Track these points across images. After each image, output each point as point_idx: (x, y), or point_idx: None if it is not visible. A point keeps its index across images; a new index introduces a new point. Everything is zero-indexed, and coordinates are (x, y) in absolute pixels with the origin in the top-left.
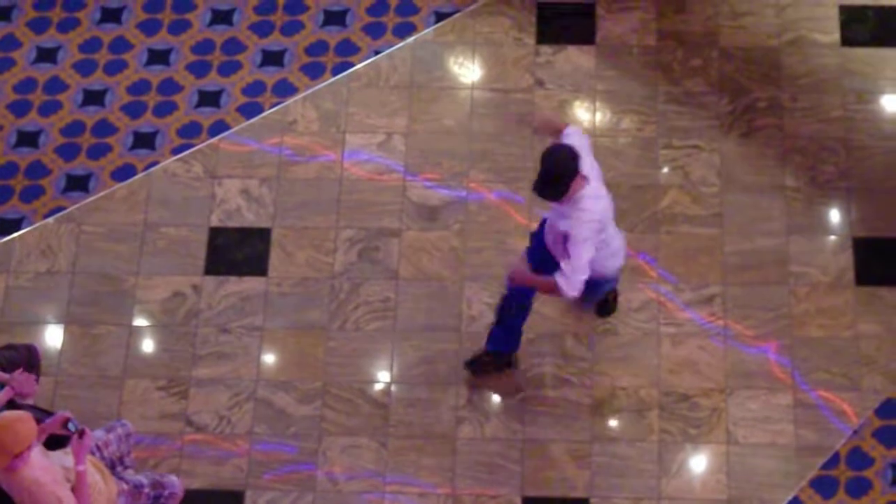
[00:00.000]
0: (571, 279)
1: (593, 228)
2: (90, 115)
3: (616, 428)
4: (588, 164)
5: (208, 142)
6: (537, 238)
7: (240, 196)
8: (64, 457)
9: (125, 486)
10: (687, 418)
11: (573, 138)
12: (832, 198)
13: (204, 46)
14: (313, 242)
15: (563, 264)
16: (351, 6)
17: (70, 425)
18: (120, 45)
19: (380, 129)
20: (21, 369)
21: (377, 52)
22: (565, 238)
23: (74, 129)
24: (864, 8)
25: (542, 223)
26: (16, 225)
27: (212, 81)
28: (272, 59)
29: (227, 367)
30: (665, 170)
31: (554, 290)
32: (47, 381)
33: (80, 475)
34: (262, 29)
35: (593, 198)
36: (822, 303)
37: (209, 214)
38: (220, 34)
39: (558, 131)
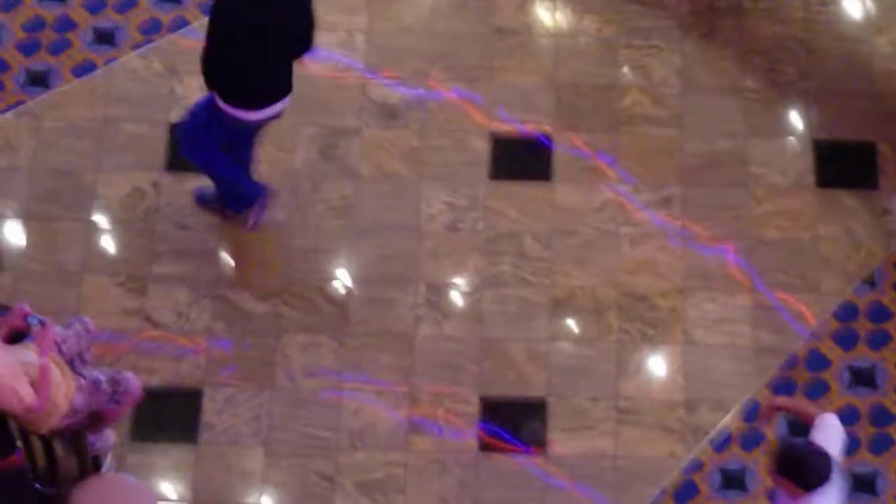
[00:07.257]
0: None
1: None
2: (50, 11)
3: (574, 328)
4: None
5: (168, 37)
6: None
7: (200, 93)
8: (23, 350)
9: (83, 382)
10: (645, 318)
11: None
12: (792, 99)
13: None
14: (273, 140)
15: None
16: None
17: (30, 318)
18: None
19: (339, 26)
20: None
21: None
22: None
23: (35, 24)
24: None
25: None
26: None
27: None
28: None
29: (185, 265)
30: (625, 70)
31: None
32: (6, 276)
33: (43, 368)
34: None
35: None
36: (782, 204)
37: (169, 111)
38: None
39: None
